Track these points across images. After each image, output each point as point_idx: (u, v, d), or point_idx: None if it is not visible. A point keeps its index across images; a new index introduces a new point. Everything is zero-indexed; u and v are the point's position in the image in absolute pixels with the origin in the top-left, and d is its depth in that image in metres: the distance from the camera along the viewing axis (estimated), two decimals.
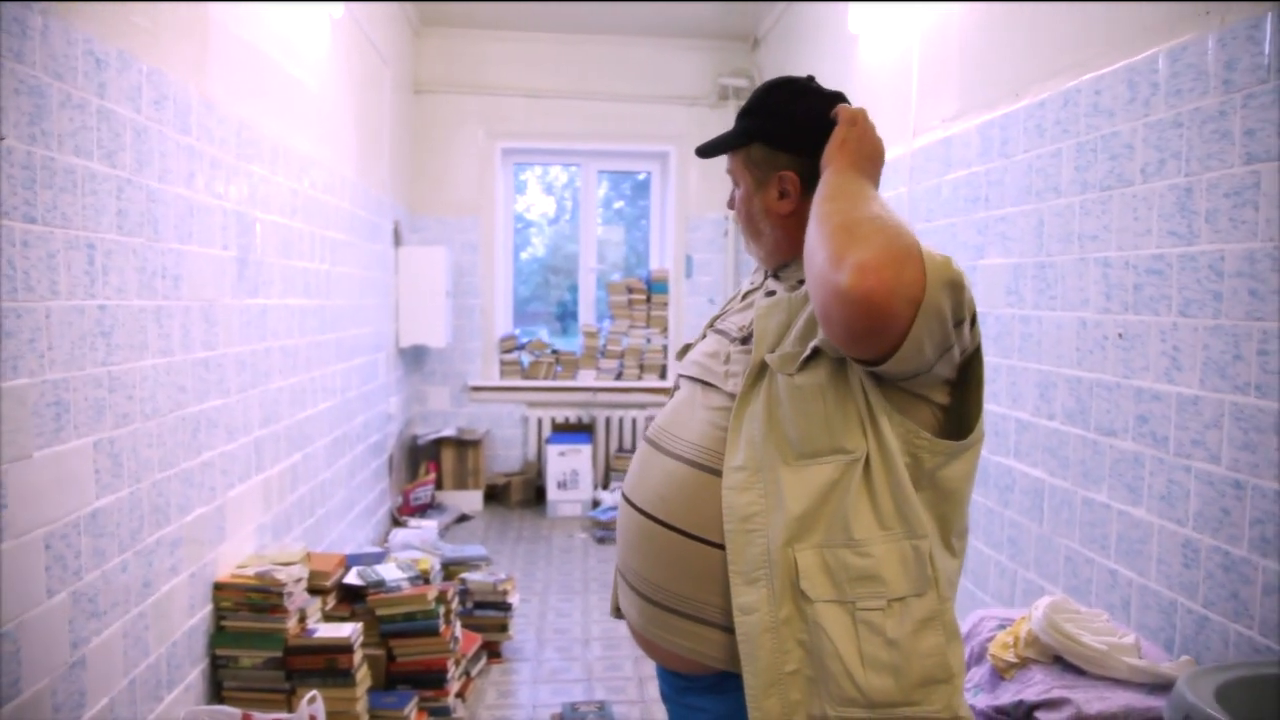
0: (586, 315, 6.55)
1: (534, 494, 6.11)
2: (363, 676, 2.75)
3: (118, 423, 2.09)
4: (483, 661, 3.46)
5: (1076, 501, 2.43)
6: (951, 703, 1.17)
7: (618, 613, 1.58)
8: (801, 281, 1.33)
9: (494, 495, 6.06)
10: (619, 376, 6.28)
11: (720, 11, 5.68)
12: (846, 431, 1.19)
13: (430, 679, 2.99)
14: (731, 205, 1.46)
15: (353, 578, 3.07)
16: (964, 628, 2.19)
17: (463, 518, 5.65)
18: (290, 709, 2.58)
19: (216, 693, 2.60)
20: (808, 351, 1.21)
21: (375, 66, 4.85)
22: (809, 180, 1.32)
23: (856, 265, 1.04)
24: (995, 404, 2.83)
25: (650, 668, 3.47)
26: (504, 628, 3.60)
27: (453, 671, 3.05)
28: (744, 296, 1.48)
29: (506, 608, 3.61)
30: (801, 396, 1.21)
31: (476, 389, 6.19)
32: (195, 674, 2.49)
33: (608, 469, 6.19)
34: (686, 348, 1.52)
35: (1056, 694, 1.79)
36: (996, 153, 2.86)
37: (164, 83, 2.31)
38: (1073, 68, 2.47)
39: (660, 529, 1.29)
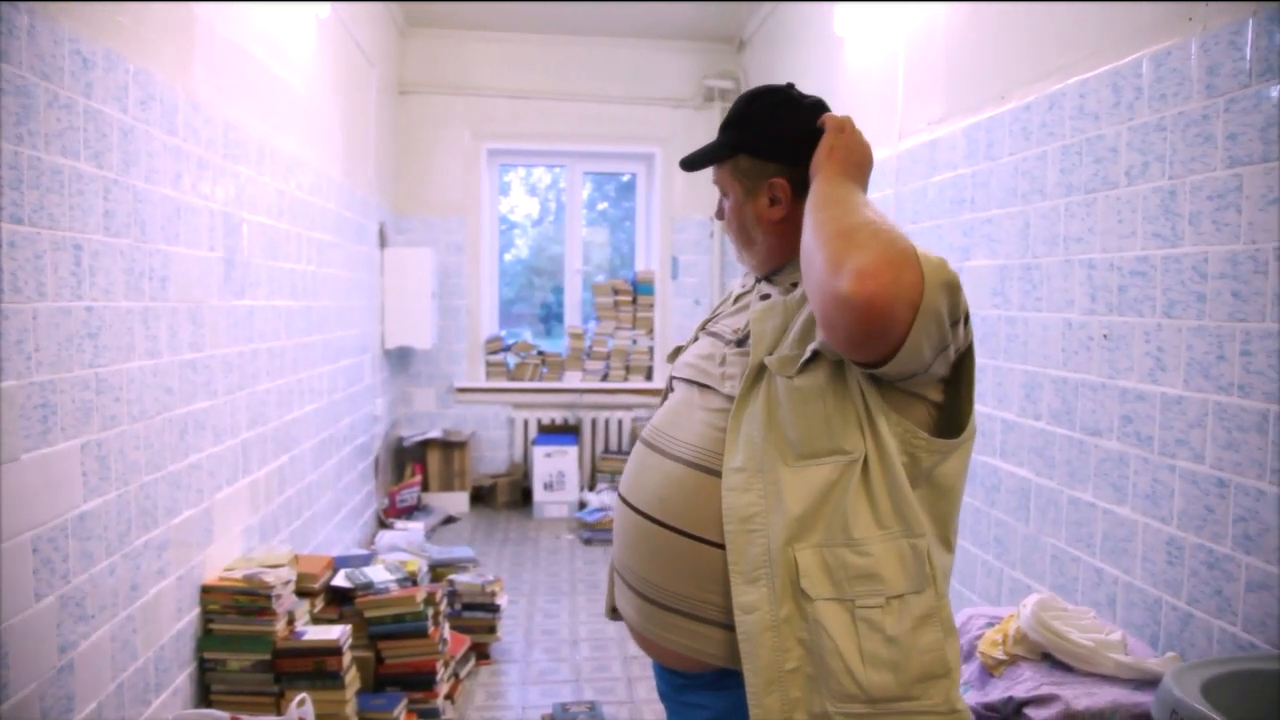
0: (572, 316, 6.55)
1: (520, 495, 6.11)
2: (352, 679, 2.74)
3: (105, 425, 2.08)
4: (471, 663, 3.45)
5: (1062, 501, 2.46)
6: (949, 697, 1.19)
7: (614, 613, 1.58)
8: (795, 284, 1.35)
9: (480, 497, 6.05)
10: (605, 378, 6.29)
11: (706, 13, 5.70)
12: (845, 432, 1.21)
13: (419, 681, 2.98)
14: (720, 215, 1.47)
15: (341, 580, 3.06)
16: None
17: (449, 519, 5.63)
18: (279, 712, 2.57)
19: (205, 696, 2.59)
20: (807, 354, 1.22)
21: (361, 67, 4.84)
22: (799, 186, 1.35)
23: (856, 271, 1.05)
24: (981, 404, 2.85)
25: (639, 668, 3.48)
26: (492, 629, 3.60)
27: (442, 673, 3.05)
28: (736, 299, 1.49)
29: (495, 609, 3.60)
30: (801, 398, 1.22)
31: (462, 390, 6.18)
32: (183, 677, 2.48)
33: (594, 470, 6.19)
34: (678, 350, 1.53)
35: (1045, 690, 1.81)
36: (982, 155, 2.88)
37: (150, 83, 2.30)
38: (1058, 71, 2.50)
39: (659, 529, 1.31)
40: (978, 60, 2.97)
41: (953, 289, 1.11)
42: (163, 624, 2.36)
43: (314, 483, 3.82)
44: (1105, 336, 2.28)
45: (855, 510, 1.19)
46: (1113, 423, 2.25)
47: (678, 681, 1.38)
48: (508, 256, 6.90)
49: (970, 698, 1.97)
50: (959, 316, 1.15)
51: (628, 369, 6.32)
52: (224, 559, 2.75)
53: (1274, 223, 1.77)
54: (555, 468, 5.79)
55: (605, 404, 6.24)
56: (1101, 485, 2.29)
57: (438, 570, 3.79)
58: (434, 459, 5.82)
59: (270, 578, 2.62)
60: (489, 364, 6.27)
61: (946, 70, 3.18)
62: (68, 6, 1.95)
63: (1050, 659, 1.95)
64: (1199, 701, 1.42)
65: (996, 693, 1.91)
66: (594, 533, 5.27)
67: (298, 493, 3.57)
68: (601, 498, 5.70)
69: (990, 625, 2.16)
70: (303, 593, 2.88)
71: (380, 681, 2.97)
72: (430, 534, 5.18)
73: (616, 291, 6.37)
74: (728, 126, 1.42)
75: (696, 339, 1.50)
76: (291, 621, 2.71)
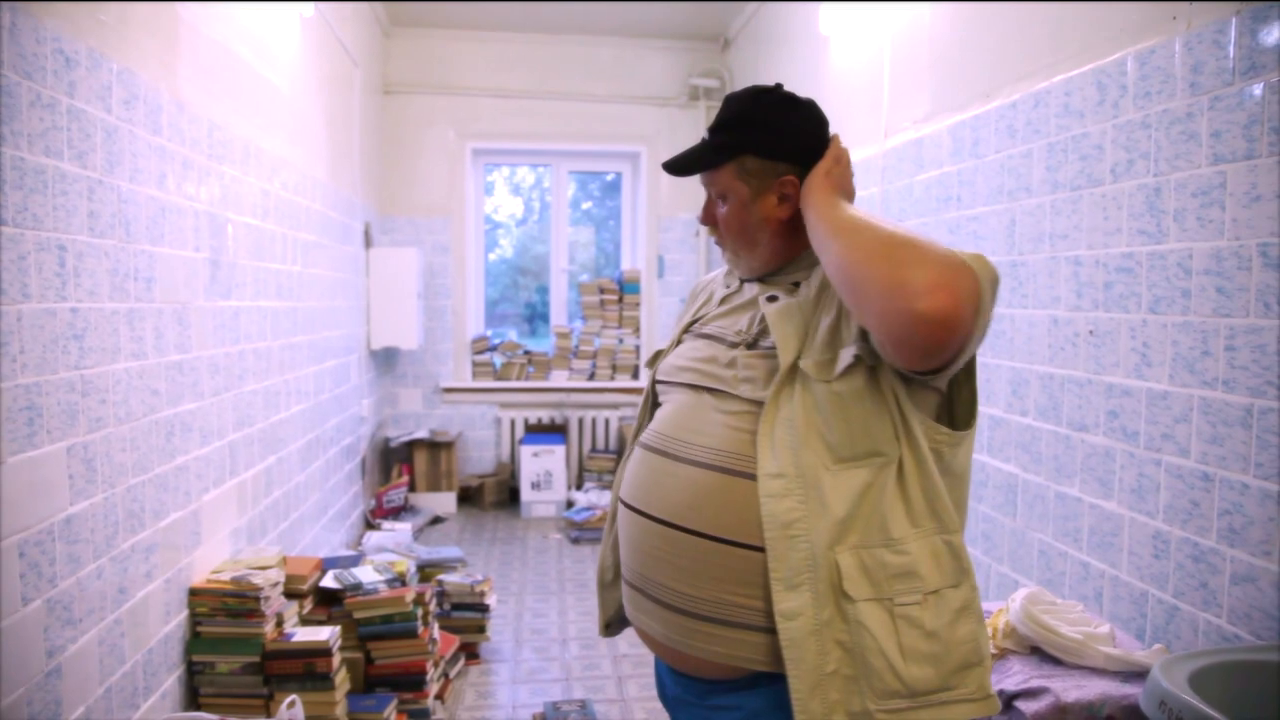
0: (558, 316, 6.55)
1: (508, 495, 6.10)
2: (341, 680, 2.73)
3: (91, 427, 2.07)
4: (461, 663, 3.45)
5: (1049, 496, 2.48)
6: (983, 683, 1.23)
7: (608, 630, 1.58)
8: (797, 284, 1.36)
9: (467, 497, 6.04)
10: (591, 377, 6.28)
11: (691, 12, 5.70)
12: (882, 434, 1.23)
13: (409, 681, 2.98)
14: (708, 220, 1.44)
15: (329, 581, 3.05)
16: None
17: (436, 520, 5.62)
18: (269, 714, 2.56)
19: (194, 699, 2.57)
20: (850, 360, 1.22)
21: (345, 67, 4.81)
22: None
23: (927, 288, 1.07)
24: None
25: (629, 666, 3.48)
26: (481, 629, 3.59)
27: (431, 673, 3.04)
28: (722, 301, 1.48)
29: (484, 609, 3.60)
30: (841, 402, 1.22)
31: (449, 390, 6.16)
32: (172, 681, 2.46)
33: (581, 469, 6.19)
34: (658, 354, 1.52)
35: (1035, 683, 1.83)
36: (968, 153, 2.90)
37: (134, 82, 2.28)
38: (1043, 70, 2.51)
39: (690, 537, 1.28)
40: (963, 58, 2.99)
41: (997, 283, 1.15)
42: (151, 627, 2.35)
43: (301, 484, 3.80)
44: (1091, 332, 2.30)
45: (892, 510, 1.22)
46: (1099, 418, 2.26)
47: (703, 688, 1.35)
48: (492, 256, 6.89)
49: None
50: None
51: (614, 368, 6.31)
52: (212, 561, 2.73)
53: (1257, 219, 1.79)
54: (542, 467, 5.78)
55: (592, 403, 6.24)
56: (1088, 480, 2.31)
57: (426, 570, 3.78)
58: (421, 459, 5.80)
59: (259, 579, 2.60)
60: (475, 364, 6.26)
61: (932, 68, 3.20)
62: (50, 5, 1.93)
63: (1039, 652, 1.97)
64: (1187, 692, 1.44)
65: None
66: (582, 532, 5.27)
67: (285, 494, 3.56)
68: (589, 497, 5.69)
69: None
70: (291, 594, 2.86)
71: (370, 682, 2.96)
72: (418, 534, 5.17)
73: (602, 290, 6.36)
74: (726, 128, 1.39)
75: (680, 342, 1.49)
76: (280, 623, 2.70)
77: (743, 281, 1.47)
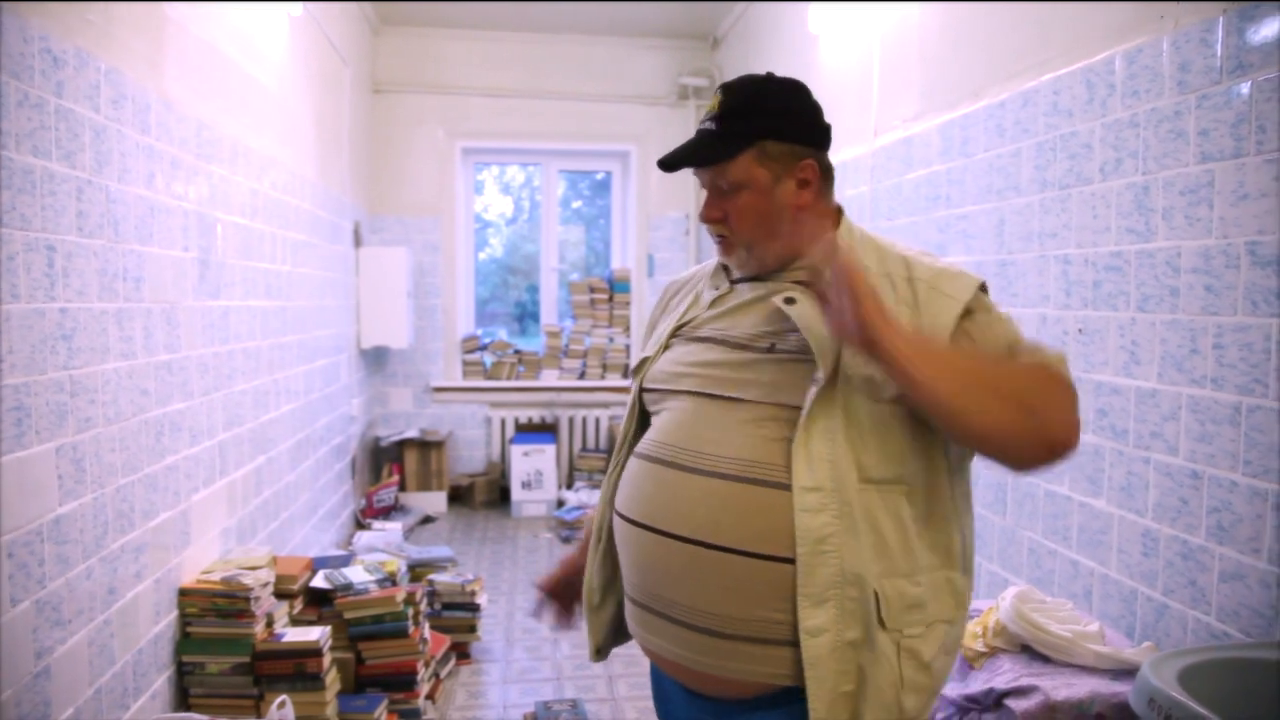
0: (548, 315, 6.54)
1: (498, 494, 6.09)
2: (332, 680, 2.73)
3: (80, 427, 2.05)
4: (452, 662, 3.44)
5: (1039, 494, 2.49)
6: (928, 707, 1.26)
7: (599, 655, 1.52)
8: (799, 283, 1.29)
9: (458, 496, 6.02)
10: (582, 376, 6.28)
11: (680, 11, 5.70)
12: (913, 461, 1.23)
13: (400, 681, 2.97)
14: (716, 215, 1.34)
15: (320, 581, 3.04)
16: None
17: (427, 519, 5.61)
18: (259, 715, 2.55)
19: (183, 700, 2.56)
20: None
21: (334, 65, 4.80)
22: (824, 169, 1.35)
23: (1065, 429, 1.17)
24: None
25: (620, 665, 3.48)
26: (472, 628, 3.59)
27: (422, 673, 3.04)
28: (713, 303, 1.40)
29: (475, 608, 3.59)
30: (884, 423, 1.21)
31: (439, 390, 6.15)
32: (161, 681, 2.45)
33: (571, 469, 6.18)
34: (645, 361, 1.44)
35: (1025, 682, 1.84)
36: (957, 152, 2.91)
37: (122, 82, 2.27)
38: (1032, 69, 2.52)
39: (714, 553, 1.22)
40: (952, 58, 3.00)
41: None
42: (140, 628, 2.33)
43: (291, 484, 3.79)
44: (1080, 331, 2.31)
45: (918, 539, 1.22)
46: (1088, 416, 2.27)
47: (723, 709, 1.29)
48: (482, 255, 6.88)
49: (951, 690, 1.99)
50: None
51: (604, 367, 6.31)
52: (202, 561, 2.72)
53: (1245, 217, 1.81)
54: (533, 466, 5.77)
55: (583, 402, 6.23)
56: (1077, 478, 2.32)
57: (417, 570, 3.77)
58: (411, 459, 5.79)
59: (249, 579, 2.59)
60: (465, 363, 6.25)
61: (921, 67, 3.21)
62: (37, 5, 1.91)
63: (1029, 650, 1.98)
64: (1176, 690, 1.45)
65: (977, 684, 1.93)
66: (572, 531, 5.26)
67: (275, 494, 3.54)
68: (579, 496, 5.69)
69: (970, 617, 2.18)
70: (281, 594, 2.85)
71: (361, 682, 2.95)
72: (408, 534, 5.15)
73: (593, 290, 6.36)
74: (738, 115, 1.32)
75: (668, 347, 1.41)
76: (271, 623, 2.69)
77: (733, 282, 1.40)
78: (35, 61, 1.89)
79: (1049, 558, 2.44)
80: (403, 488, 5.74)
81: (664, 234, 6.40)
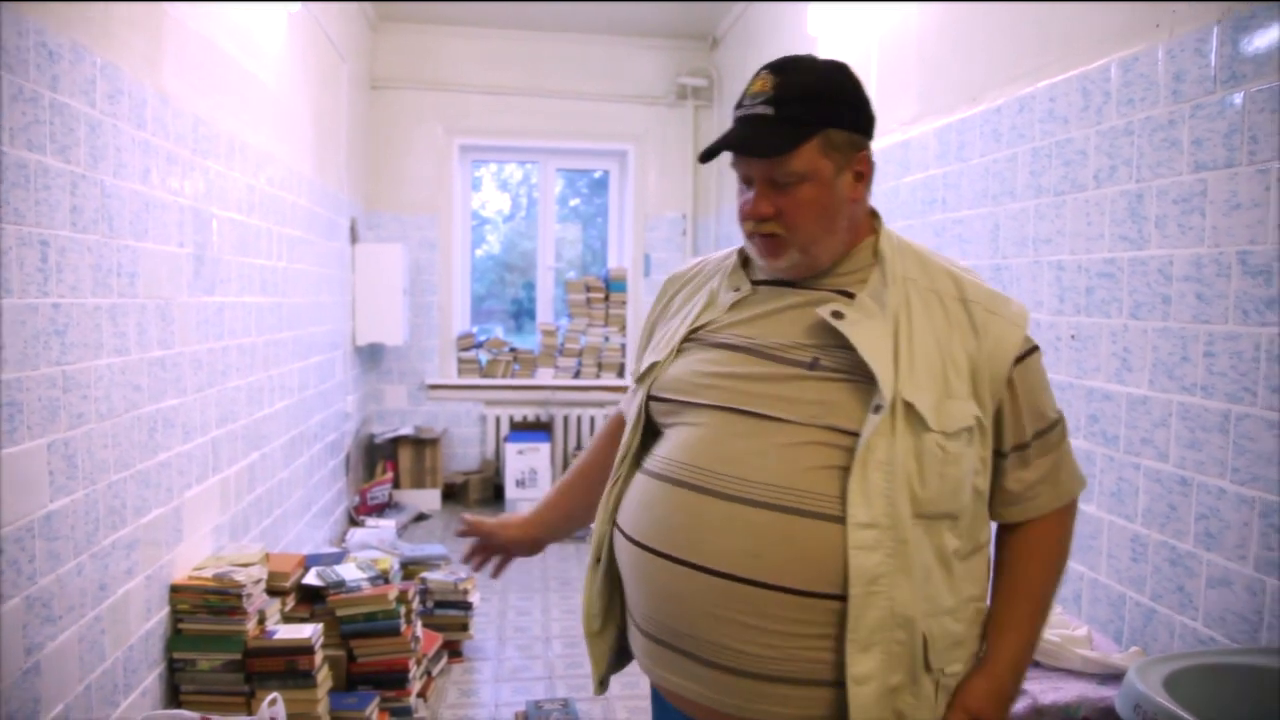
0: (544, 313, 6.54)
1: (492, 492, 6.09)
2: (324, 678, 2.73)
3: (72, 423, 2.05)
4: (444, 661, 3.45)
5: None
6: None
7: (603, 687, 1.43)
8: (841, 291, 1.22)
9: (452, 494, 6.03)
10: (577, 375, 6.28)
11: (679, 11, 5.70)
12: (964, 498, 1.18)
13: (392, 679, 2.97)
14: (765, 211, 1.21)
15: (312, 578, 3.04)
16: None
17: (420, 517, 5.61)
18: (250, 712, 2.55)
19: (174, 697, 2.56)
20: (969, 422, 1.16)
21: (332, 62, 4.79)
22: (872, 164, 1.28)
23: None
24: None
25: None
26: (465, 627, 3.59)
27: (414, 671, 3.04)
28: (733, 306, 1.29)
29: (467, 607, 3.60)
30: (944, 458, 1.14)
31: (434, 387, 6.15)
32: (152, 678, 2.45)
33: (566, 467, 6.18)
34: (654, 366, 1.31)
35: None
36: (953, 156, 2.92)
37: (119, 76, 2.27)
38: (1028, 75, 2.53)
39: (751, 590, 1.12)
40: (949, 62, 3.00)
41: None
42: (131, 624, 2.33)
43: (284, 480, 3.79)
44: (1073, 337, 2.32)
45: (961, 572, 1.19)
46: (1079, 422, 2.28)
47: None
48: (479, 252, 6.87)
49: None
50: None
51: (600, 366, 6.32)
52: (194, 558, 2.72)
53: (1237, 227, 1.81)
54: (527, 465, 5.78)
55: (578, 401, 6.24)
56: None
57: (409, 568, 3.78)
58: (405, 456, 5.79)
59: (241, 576, 2.59)
60: (461, 361, 6.25)
61: (919, 71, 3.21)
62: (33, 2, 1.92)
63: None
64: (1162, 695, 1.45)
65: None
66: None
67: (268, 490, 3.54)
68: None
69: None
70: (274, 591, 2.85)
71: (352, 680, 2.95)
72: (402, 531, 5.16)
73: (589, 288, 6.36)
74: (796, 100, 1.18)
75: (680, 351, 1.29)
76: (262, 620, 2.69)
77: (755, 284, 1.29)
78: (30, 55, 1.89)
79: None
80: (397, 485, 5.74)
81: (661, 234, 6.40)
